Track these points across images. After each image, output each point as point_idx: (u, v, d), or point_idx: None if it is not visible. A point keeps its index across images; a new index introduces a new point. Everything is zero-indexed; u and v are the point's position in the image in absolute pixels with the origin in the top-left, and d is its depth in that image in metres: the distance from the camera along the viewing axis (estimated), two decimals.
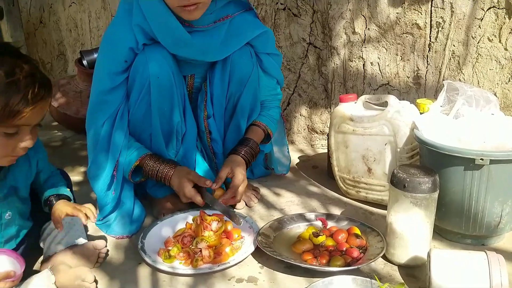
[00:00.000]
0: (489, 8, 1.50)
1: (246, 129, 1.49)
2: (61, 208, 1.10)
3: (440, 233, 1.26)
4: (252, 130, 1.48)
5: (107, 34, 1.33)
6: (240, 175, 1.34)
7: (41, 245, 1.16)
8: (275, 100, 1.56)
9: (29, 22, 4.17)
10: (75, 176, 1.82)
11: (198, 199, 1.28)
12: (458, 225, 1.20)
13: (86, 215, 1.08)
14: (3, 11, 3.40)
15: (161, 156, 1.36)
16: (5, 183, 1.05)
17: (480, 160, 1.08)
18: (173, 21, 1.23)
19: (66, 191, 1.18)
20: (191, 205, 1.46)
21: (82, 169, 1.91)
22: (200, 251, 1.17)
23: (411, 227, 1.10)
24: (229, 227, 1.26)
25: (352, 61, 1.88)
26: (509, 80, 1.53)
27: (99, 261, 1.18)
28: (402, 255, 1.12)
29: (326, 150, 1.72)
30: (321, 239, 1.20)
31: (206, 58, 1.37)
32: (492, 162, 1.07)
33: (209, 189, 1.31)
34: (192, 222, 1.31)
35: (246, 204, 1.52)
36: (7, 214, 1.07)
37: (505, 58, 1.52)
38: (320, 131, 2.08)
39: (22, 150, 0.96)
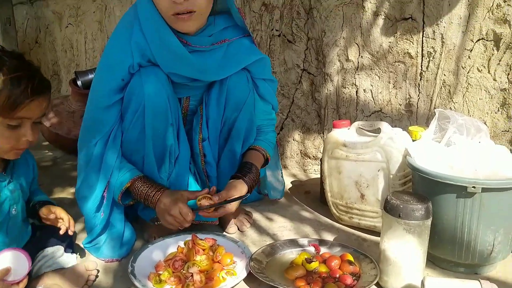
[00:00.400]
0: (478, 40, 1.55)
1: (246, 154, 1.47)
2: (49, 207, 1.17)
3: (433, 261, 1.26)
4: (254, 155, 1.46)
5: (107, 50, 1.33)
6: (235, 205, 1.32)
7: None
8: (270, 125, 1.57)
9: (24, 41, 4.19)
10: (65, 196, 1.80)
11: (187, 213, 1.23)
12: (451, 253, 1.19)
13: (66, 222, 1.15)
14: None
15: (153, 180, 1.34)
16: (12, 177, 1.12)
17: (472, 188, 1.09)
18: (173, 39, 1.25)
19: (52, 202, 1.25)
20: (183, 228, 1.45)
21: (72, 189, 1.88)
22: (192, 275, 1.15)
23: (405, 254, 1.09)
24: (222, 251, 1.25)
25: (345, 87, 1.91)
26: (498, 110, 1.56)
27: (88, 284, 1.15)
28: (396, 282, 1.12)
29: (319, 175, 1.73)
30: (314, 265, 1.19)
31: (204, 78, 1.37)
32: (484, 190, 1.08)
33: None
34: (183, 246, 1.29)
35: (238, 229, 1.50)
36: (14, 209, 1.11)
37: (494, 88, 1.55)
38: (313, 156, 2.09)
39: (25, 143, 1.04)
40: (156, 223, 1.28)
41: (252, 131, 1.48)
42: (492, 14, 1.50)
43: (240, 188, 1.33)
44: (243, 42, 1.41)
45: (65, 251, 1.20)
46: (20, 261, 0.97)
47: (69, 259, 1.18)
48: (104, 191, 1.30)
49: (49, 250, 1.17)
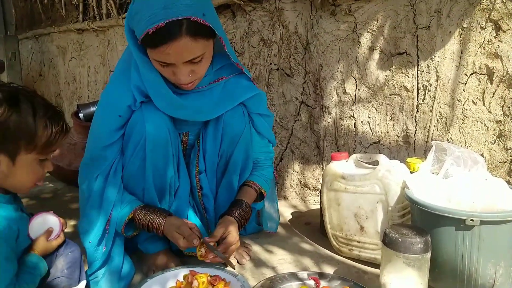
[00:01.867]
0: (472, 74, 1.59)
1: (239, 189, 1.49)
2: None
3: None
4: (246, 191, 1.48)
5: (106, 92, 1.37)
6: (235, 234, 1.33)
7: None
8: (268, 159, 1.59)
9: (28, 75, 4.28)
10: (66, 230, 1.79)
11: (193, 236, 1.27)
12: (452, 286, 1.18)
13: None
14: (4, 65, 3.50)
15: (153, 206, 1.35)
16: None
17: (470, 221, 1.09)
18: (165, 89, 1.28)
19: None
20: (182, 262, 1.44)
21: (73, 222, 1.88)
22: None
23: (405, 287, 1.09)
24: (221, 286, 1.24)
25: (343, 119, 1.94)
26: (495, 141, 1.58)
27: None
28: None
29: (318, 206, 1.73)
30: None
31: (200, 118, 1.41)
32: (482, 223, 1.09)
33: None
34: (182, 280, 1.28)
35: (237, 262, 1.49)
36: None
37: (490, 120, 1.58)
38: (313, 187, 2.10)
39: (44, 176, 1.09)
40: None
41: (248, 164, 1.49)
42: (484, 49, 1.54)
43: (232, 223, 1.35)
44: (239, 79, 1.44)
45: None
46: (52, 220, 1.12)
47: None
48: (106, 225, 1.30)
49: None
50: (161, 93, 1.29)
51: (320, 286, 1.28)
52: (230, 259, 1.47)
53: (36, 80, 4.22)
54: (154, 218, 1.30)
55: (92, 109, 2.50)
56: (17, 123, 0.98)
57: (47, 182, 2.62)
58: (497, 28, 1.50)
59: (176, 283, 1.28)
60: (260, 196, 1.54)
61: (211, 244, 1.30)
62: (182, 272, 1.33)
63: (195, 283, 1.21)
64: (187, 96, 1.35)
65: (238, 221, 1.39)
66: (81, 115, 2.48)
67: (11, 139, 0.98)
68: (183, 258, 1.47)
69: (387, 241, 1.09)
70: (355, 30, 1.83)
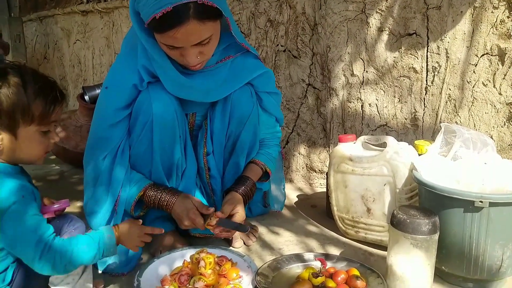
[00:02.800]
0: (483, 55, 1.56)
1: (245, 167, 1.49)
2: None
3: (441, 276, 1.25)
4: (250, 169, 1.48)
5: (112, 71, 1.36)
6: (242, 212, 1.34)
7: None
8: (274, 138, 1.58)
9: (33, 57, 4.27)
10: (72, 210, 1.80)
11: (200, 222, 1.27)
12: (459, 268, 1.18)
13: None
14: (9, 47, 3.48)
15: (163, 185, 1.36)
16: None
17: (480, 203, 1.08)
18: (172, 71, 1.27)
19: None
20: (189, 243, 1.45)
21: (79, 203, 1.89)
22: None
23: (412, 269, 1.09)
24: (228, 266, 1.24)
25: (350, 102, 1.92)
26: (504, 124, 1.56)
27: None
28: None
29: (324, 189, 1.73)
30: (321, 279, 1.18)
31: (207, 99, 1.40)
32: (492, 204, 1.08)
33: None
34: (189, 260, 1.29)
35: (244, 243, 1.50)
36: None
37: (500, 103, 1.56)
38: (319, 170, 2.09)
39: (52, 145, 1.10)
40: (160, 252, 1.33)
41: (255, 145, 1.49)
42: (496, 29, 1.51)
43: (238, 200, 1.36)
44: (247, 57, 1.42)
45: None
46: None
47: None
48: (115, 205, 1.30)
49: (78, 270, 1.15)
50: (168, 75, 1.28)
51: (327, 267, 1.29)
52: (236, 240, 1.48)
53: (41, 62, 4.21)
54: (164, 196, 1.31)
55: (98, 91, 2.49)
56: (8, 97, 0.98)
57: (53, 165, 2.63)
58: (511, 7, 1.47)
59: (183, 263, 1.29)
60: (265, 175, 1.54)
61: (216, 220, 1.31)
62: (189, 253, 1.34)
63: (202, 263, 1.22)
64: (194, 77, 1.33)
65: (243, 197, 1.39)
66: (86, 98, 2.48)
67: (6, 114, 0.98)
68: (190, 239, 1.48)
69: (395, 222, 1.09)
70: (363, 10, 1.79)
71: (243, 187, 1.41)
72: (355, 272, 1.21)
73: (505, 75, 1.53)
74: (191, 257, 1.29)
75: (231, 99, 1.41)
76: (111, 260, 1.31)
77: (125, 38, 1.38)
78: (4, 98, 0.97)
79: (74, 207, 1.87)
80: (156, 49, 1.23)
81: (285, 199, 1.75)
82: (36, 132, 1.03)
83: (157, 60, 1.25)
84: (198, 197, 1.45)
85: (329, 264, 1.30)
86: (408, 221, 1.06)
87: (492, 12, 1.51)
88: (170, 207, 1.31)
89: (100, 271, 1.31)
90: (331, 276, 1.21)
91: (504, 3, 1.48)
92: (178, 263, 1.31)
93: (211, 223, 1.29)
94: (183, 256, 1.33)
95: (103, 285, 1.21)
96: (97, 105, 1.36)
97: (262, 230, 1.62)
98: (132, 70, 1.29)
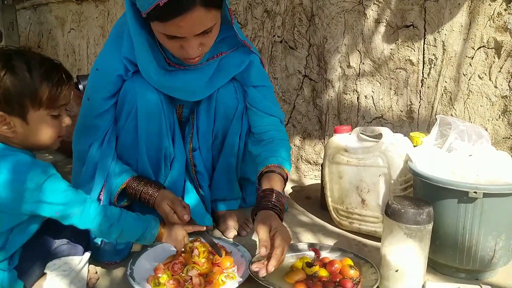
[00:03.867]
0: (479, 48, 1.56)
1: (265, 177, 1.27)
2: None
3: (434, 266, 1.25)
4: (273, 179, 1.25)
5: (98, 61, 1.33)
6: (285, 231, 1.14)
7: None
8: (273, 131, 1.42)
9: (26, 46, 4.21)
10: None
11: (183, 212, 1.23)
12: (452, 259, 1.19)
13: None
14: (2, 35, 3.43)
15: (148, 178, 1.34)
16: None
17: (474, 193, 1.08)
18: (155, 70, 1.24)
19: None
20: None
21: None
22: (191, 279, 1.14)
23: (406, 259, 1.09)
24: (222, 255, 1.24)
25: (346, 94, 1.91)
26: (499, 117, 1.57)
27: (88, 287, 1.15)
28: (396, 287, 1.11)
29: (319, 181, 1.72)
30: (315, 269, 1.18)
31: (192, 98, 1.38)
32: (486, 195, 1.08)
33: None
34: (183, 249, 1.28)
35: (238, 233, 1.50)
36: None
37: (495, 96, 1.56)
38: (314, 162, 2.09)
39: (64, 129, 1.11)
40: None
41: (243, 142, 1.46)
42: (493, 22, 1.51)
43: (271, 217, 1.16)
44: (235, 54, 1.36)
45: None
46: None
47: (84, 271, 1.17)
48: (100, 194, 1.29)
49: (76, 259, 1.15)
50: (151, 74, 1.25)
51: (320, 257, 1.29)
52: (230, 231, 1.47)
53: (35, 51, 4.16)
54: (147, 190, 1.28)
55: None
56: (15, 82, 0.98)
57: (47, 154, 2.61)
58: (508, 0, 1.46)
59: (176, 252, 1.28)
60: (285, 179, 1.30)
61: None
62: None
63: (195, 252, 1.22)
64: (179, 76, 1.30)
65: (279, 214, 1.19)
66: (80, 87, 2.45)
67: (15, 100, 0.99)
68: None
69: (389, 212, 1.09)
70: (361, 1, 1.78)
71: (276, 202, 1.18)
72: (349, 262, 1.22)
73: (501, 68, 1.53)
74: (184, 246, 1.28)
75: (215, 97, 1.39)
76: (101, 249, 1.30)
77: (114, 25, 1.35)
78: (10, 84, 0.98)
79: None
80: (141, 45, 1.20)
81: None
82: (46, 116, 1.04)
83: (141, 57, 1.22)
84: (188, 186, 1.45)
85: (323, 254, 1.30)
86: (403, 211, 1.06)
87: (489, 4, 1.50)
88: (153, 200, 1.28)
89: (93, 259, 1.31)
90: (325, 265, 1.21)
91: None
92: (172, 252, 1.30)
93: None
94: None
95: (96, 271, 1.20)
96: (84, 95, 1.34)
97: None
98: (118, 60, 1.26)
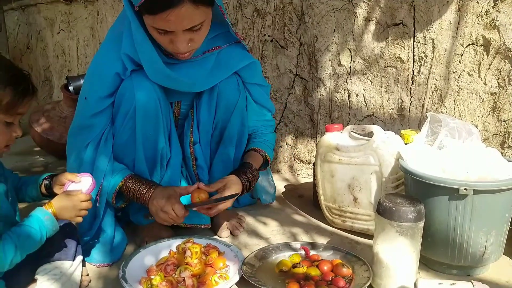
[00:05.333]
0: (468, 45, 1.57)
1: (245, 155, 1.47)
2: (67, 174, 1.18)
3: (426, 263, 1.26)
4: (251, 156, 1.46)
5: (95, 60, 1.33)
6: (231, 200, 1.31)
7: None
8: (268, 127, 1.56)
9: (15, 47, 4.17)
10: None
11: (180, 209, 1.23)
12: (443, 255, 1.20)
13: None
14: None
15: (144, 178, 1.34)
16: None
17: (464, 190, 1.09)
18: (157, 60, 1.24)
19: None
20: (175, 233, 1.44)
21: None
22: (184, 280, 1.14)
23: (397, 256, 1.09)
24: (215, 255, 1.24)
25: (337, 92, 1.92)
26: (489, 114, 1.58)
27: None
28: (389, 285, 1.11)
29: (311, 180, 1.73)
30: (300, 270, 1.19)
31: (193, 90, 1.38)
32: (476, 192, 1.09)
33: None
34: (175, 250, 1.28)
35: (231, 233, 1.50)
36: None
37: (485, 93, 1.57)
38: (306, 161, 2.09)
39: (14, 139, 1.09)
40: (150, 217, 1.27)
41: (244, 134, 1.47)
42: (481, 19, 1.52)
43: (234, 183, 1.32)
44: (234, 48, 1.40)
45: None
46: (85, 180, 1.16)
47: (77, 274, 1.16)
48: (97, 195, 1.28)
49: (66, 263, 1.13)
50: (153, 65, 1.25)
51: (311, 254, 1.29)
52: (223, 230, 1.48)
53: (24, 53, 4.12)
54: (142, 189, 1.28)
55: (82, 81, 2.44)
56: None
57: (38, 156, 2.58)
58: None
59: (169, 253, 1.28)
60: (265, 163, 1.52)
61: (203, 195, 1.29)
62: (175, 243, 1.33)
63: (188, 253, 1.21)
64: (180, 67, 1.31)
65: (245, 184, 1.36)
66: (71, 88, 2.43)
67: None
68: (176, 229, 1.46)
69: (381, 210, 1.09)
70: (351, 0, 1.79)
71: (245, 173, 1.37)
72: (340, 262, 1.22)
73: (489, 65, 1.54)
74: (177, 247, 1.28)
75: (217, 88, 1.39)
76: (95, 250, 1.30)
77: (111, 27, 1.36)
78: None
79: None
80: (143, 36, 1.21)
81: (275, 191, 1.74)
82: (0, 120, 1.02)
83: (143, 48, 1.23)
84: (183, 185, 1.44)
85: (315, 253, 1.30)
86: (394, 209, 1.07)
87: (477, 2, 1.51)
88: (149, 196, 1.26)
89: (86, 262, 1.30)
90: (318, 265, 1.21)
91: None
92: (164, 253, 1.30)
93: (196, 195, 1.27)
94: (169, 246, 1.33)
95: (88, 274, 1.19)
96: (81, 94, 1.34)
97: (249, 220, 1.61)
98: (115, 58, 1.26)
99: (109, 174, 1.29)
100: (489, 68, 1.54)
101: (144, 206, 1.29)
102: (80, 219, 1.12)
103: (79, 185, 1.14)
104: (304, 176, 2.11)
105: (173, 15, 1.10)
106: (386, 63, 1.76)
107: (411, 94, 1.73)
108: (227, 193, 1.28)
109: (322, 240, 1.45)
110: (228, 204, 1.30)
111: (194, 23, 1.15)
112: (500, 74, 1.53)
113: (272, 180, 1.72)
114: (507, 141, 1.55)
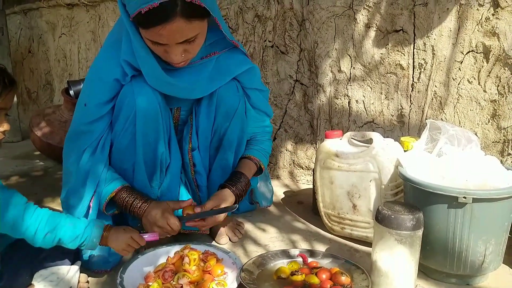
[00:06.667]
0: (468, 52, 1.57)
1: (238, 163, 1.48)
2: None
3: (425, 271, 1.25)
4: (245, 164, 1.46)
5: (94, 66, 1.33)
6: (222, 216, 1.34)
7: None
8: (265, 133, 1.56)
9: (17, 51, 4.18)
10: (56, 207, 1.78)
11: (175, 221, 1.25)
12: (442, 264, 1.19)
13: None
14: None
15: (138, 190, 1.33)
16: None
17: (463, 198, 1.09)
18: (155, 66, 1.23)
19: None
20: (173, 239, 1.43)
21: None
22: (181, 287, 1.14)
23: (396, 265, 1.09)
24: (213, 262, 1.24)
25: (337, 98, 1.92)
26: (489, 121, 1.58)
27: None
28: None
29: (311, 186, 1.72)
30: (297, 278, 1.18)
31: (192, 96, 1.38)
32: (475, 200, 1.09)
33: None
34: (173, 256, 1.27)
35: (229, 239, 1.49)
36: None
37: (485, 100, 1.57)
38: (306, 167, 2.09)
39: (1, 134, 1.08)
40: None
41: (243, 140, 1.47)
42: (481, 27, 1.52)
43: (227, 198, 1.34)
44: (233, 54, 1.40)
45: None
46: None
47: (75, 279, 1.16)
48: (90, 201, 1.28)
49: (64, 269, 1.13)
50: (152, 72, 1.25)
51: (309, 261, 1.29)
52: (222, 237, 1.47)
53: (25, 56, 4.13)
54: (136, 203, 1.28)
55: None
56: None
57: (38, 160, 2.59)
58: (496, 5, 1.48)
59: (167, 259, 1.28)
60: (259, 171, 1.53)
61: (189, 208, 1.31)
62: (173, 249, 1.33)
63: (186, 259, 1.21)
64: (179, 74, 1.31)
65: (236, 196, 1.37)
66: (71, 92, 2.44)
67: None
68: (174, 235, 1.46)
69: (379, 218, 1.09)
70: (351, 6, 1.79)
71: (238, 185, 1.39)
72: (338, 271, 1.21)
73: (489, 73, 1.54)
74: (175, 254, 1.28)
75: (217, 94, 1.39)
76: (92, 257, 1.29)
77: (110, 32, 1.36)
78: None
79: (57, 203, 1.84)
80: (140, 43, 1.21)
81: (272, 194, 1.74)
82: None
83: (141, 55, 1.23)
84: (183, 192, 1.44)
85: (314, 260, 1.30)
86: (393, 217, 1.06)
87: (477, 9, 1.51)
88: (143, 211, 1.27)
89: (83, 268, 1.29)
90: (316, 273, 1.20)
91: (489, 0, 1.48)
92: (162, 260, 1.29)
93: (188, 211, 1.29)
94: (167, 253, 1.32)
95: (87, 280, 1.19)
96: (79, 100, 1.33)
97: (248, 226, 1.61)
98: (115, 64, 1.26)
99: (103, 181, 1.29)
100: (489, 76, 1.54)
101: (138, 218, 1.29)
102: (125, 253, 1.18)
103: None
104: (304, 182, 2.11)
105: (166, 30, 1.09)
106: (386, 69, 1.76)
107: (411, 100, 1.73)
108: (222, 206, 1.31)
109: (321, 247, 1.44)
110: (221, 218, 1.33)
111: (188, 36, 1.14)
112: (500, 81, 1.52)
113: (270, 184, 1.72)
114: (506, 149, 1.55)
